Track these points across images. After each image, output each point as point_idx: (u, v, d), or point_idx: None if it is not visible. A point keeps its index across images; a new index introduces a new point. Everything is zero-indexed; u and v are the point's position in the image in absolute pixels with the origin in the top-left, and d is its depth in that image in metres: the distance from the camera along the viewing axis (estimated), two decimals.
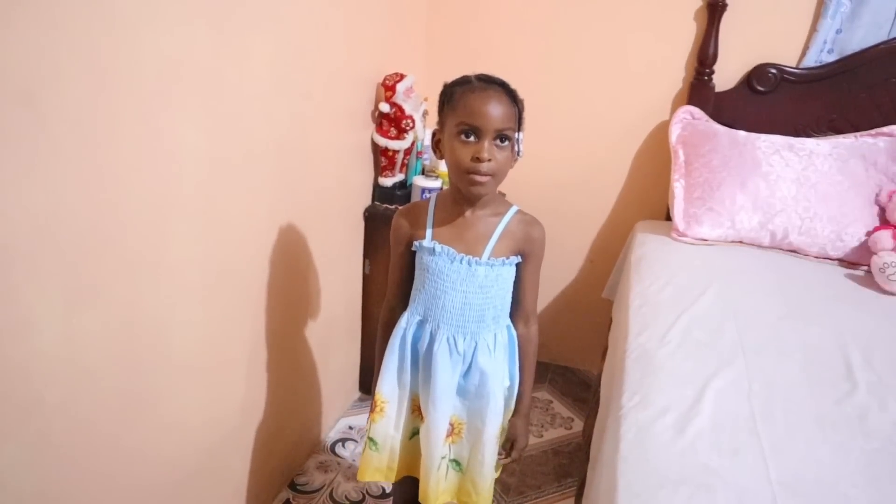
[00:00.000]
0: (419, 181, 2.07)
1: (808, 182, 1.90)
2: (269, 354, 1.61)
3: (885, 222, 1.85)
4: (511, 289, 1.23)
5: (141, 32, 1.03)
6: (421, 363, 1.23)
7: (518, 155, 1.15)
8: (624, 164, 2.34)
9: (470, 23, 2.36)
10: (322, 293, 1.84)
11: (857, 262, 1.86)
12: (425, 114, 2.15)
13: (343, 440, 2.08)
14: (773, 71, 2.05)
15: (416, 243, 1.21)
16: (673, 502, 0.88)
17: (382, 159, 2.05)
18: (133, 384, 1.17)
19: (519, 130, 1.12)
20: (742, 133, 2.03)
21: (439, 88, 2.24)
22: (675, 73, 2.19)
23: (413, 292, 1.26)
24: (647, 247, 1.91)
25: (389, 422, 1.27)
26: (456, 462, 1.27)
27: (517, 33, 2.31)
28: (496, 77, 1.13)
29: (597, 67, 2.26)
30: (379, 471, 1.30)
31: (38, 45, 0.86)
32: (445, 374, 1.19)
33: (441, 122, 1.15)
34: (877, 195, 1.89)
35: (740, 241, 1.95)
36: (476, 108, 1.06)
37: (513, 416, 1.28)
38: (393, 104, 1.96)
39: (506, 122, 1.08)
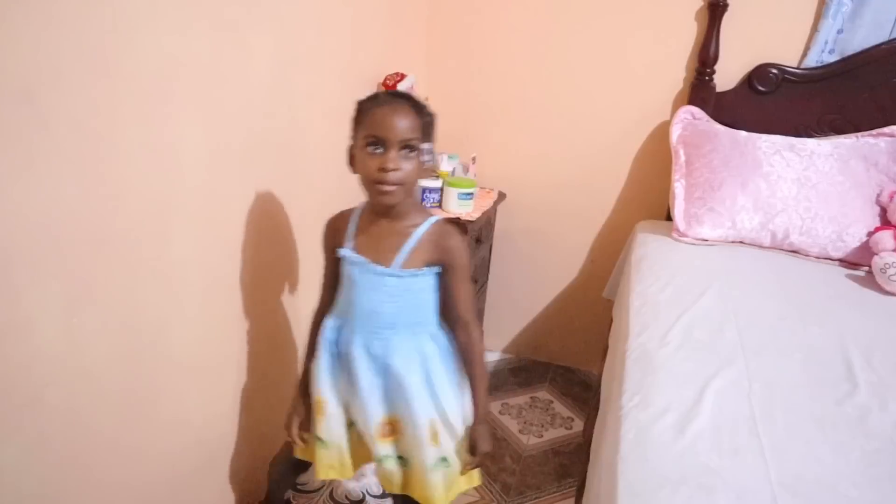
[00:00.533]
0: (420, 181, 2.07)
1: (808, 182, 1.90)
2: (269, 353, 1.61)
3: (886, 223, 1.84)
4: (429, 298, 1.25)
5: (141, 31, 1.03)
6: (342, 364, 1.27)
7: (426, 165, 1.19)
8: (625, 163, 2.34)
9: (470, 23, 2.36)
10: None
11: (858, 262, 1.85)
12: None
13: None
14: (774, 71, 2.05)
15: (339, 251, 1.25)
16: (673, 502, 0.88)
17: None
18: (133, 383, 1.17)
19: (426, 142, 1.17)
20: (743, 133, 2.03)
21: (441, 88, 2.29)
22: (676, 73, 2.19)
23: (338, 296, 1.30)
24: (648, 247, 1.91)
25: (332, 419, 1.29)
26: (402, 458, 1.29)
27: (517, 33, 2.31)
28: (404, 92, 1.19)
29: (597, 67, 2.26)
30: (332, 468, 1.32)
31: (37, 43, 0.86)
32: (366, 376, 1.23)
33: (353, 137, 1.19)
34: (878, 195, 1.89)
35: (741, 242, 1.95)
36: (381, 121, 1.12)
37: (472, 423, 1.30)
38: None
39: (410, 133, 1.13)
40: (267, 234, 1.53)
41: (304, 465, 1.47)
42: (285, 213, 1.59)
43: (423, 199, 2.05)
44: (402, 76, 1.97)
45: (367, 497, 1.84)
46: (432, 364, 1.25)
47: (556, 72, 2.31)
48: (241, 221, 1.42)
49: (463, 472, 1.30)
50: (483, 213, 2.13)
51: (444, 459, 1.27)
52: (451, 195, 2.04)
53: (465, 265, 1.24)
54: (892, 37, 1.96)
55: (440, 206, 2.07)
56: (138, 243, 1.11)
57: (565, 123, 2.36)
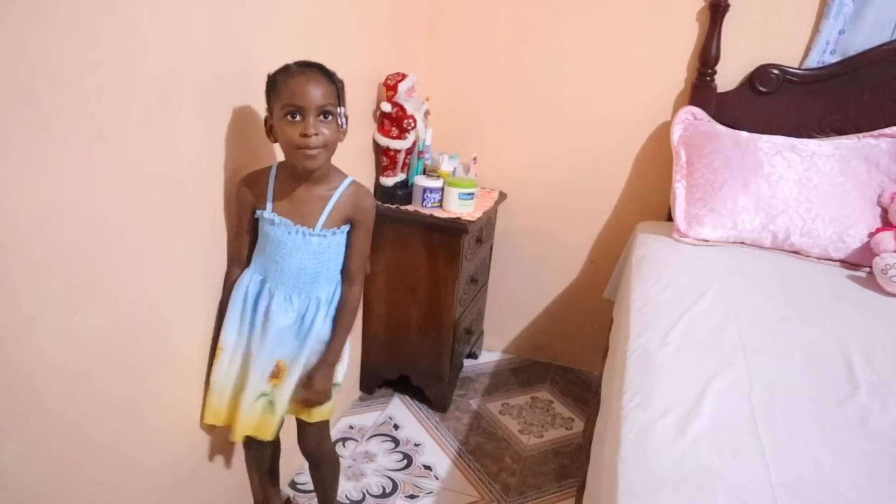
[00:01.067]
0: (421, 181, 2.07)
1: (810, 183, 1.90)
2: None
3: (887, 223, 1.84)
4: (343, 251, 1.37)
5: (142, 30, 1.03)
6: (260, 316, 1.34)
7: (343, 128, 1.27)
8: (625, 164, 2.34)
9: (472, 23, 2.36)
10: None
11: (859, 263, 1.85)
12: (427, 113, 2.15)
13: (343, 439, 2.08)
14: (776, 72, 2.05)
15: (258, 212, 1.31)
16: (673, 503, 0.88)
17: (384, 159, 2.05)
18: (133, 383, 1.17)
19: (340, 106, 1.25)
20: (744, 134, 2.03)
21: (442, 88, 2.31)
22: (677, 73, 2.19)
23: (255, 253, 1.37)
24: (649, 247, 1.91)
25: (222, 367, 1.35)
26: (272, 403, 1.36)
27: (519, 33, 2.31)
28: (313, 62, 1.24)
29: (598, 67, 2.26)
30: (216, 414, 1.37)
31: (38, 43, 0.86)
32: (280, 324, 1.32)
33: (269, 109, 1.24)
34: (879, 196, 1.89)
35: (742, 242, 1.95)
36: (297, 90, 1.18)
37: (318, 361, 1.37)
38: (395, 104, 1.96)
39: (326, 99, 1.20)
40: None
41: (266, 449, 1.54)
42: None
43: (423, 200, 2.06)
44: (404, 76, 1.97)
45: (367, 497, 1.84)
46: (331, 312, 1.38)
47: (557, 72, 2.31)
48: None
49: (292, 408, 1.40)
50: (484, 213, 2.13)
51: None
52: (452, 195, 2.04)
53: (370, 223, 1.37)
54: (893, 37, 1.96)
55: (441, 206, 2.07)
56: (139, 242, 1.11)
57: (566, 124, 2.36)
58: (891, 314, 1.55)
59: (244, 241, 1.37)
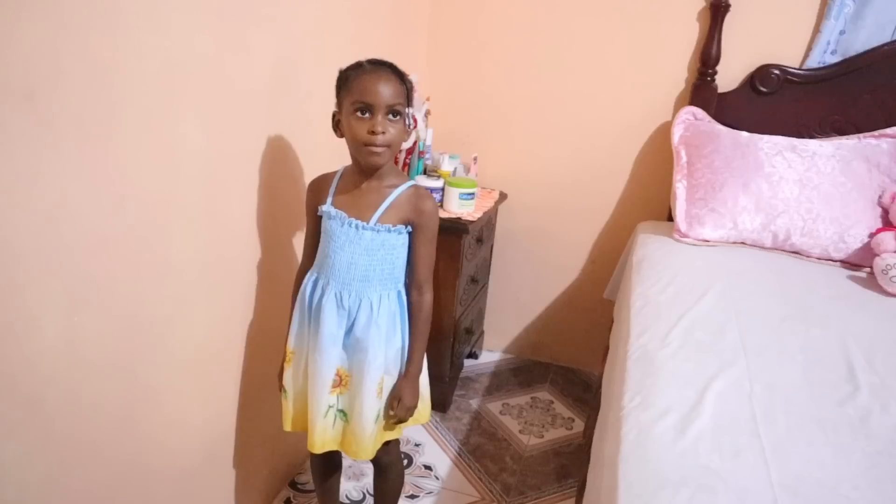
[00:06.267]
0: (421, 181, 2.07)
1: (810, 183, 1.90)
2: (270, 351, 1.61)
3: (887, 224, 1.84)
4: (402, 256, 1.32)
5: (143, 30, 1.03)
6: (313, 315, 1.33)
7: (409, 128, 1.27)
8: (626, 164, 2.34)
9: (472, 23, 2.36)
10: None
11: (860, 263, 1.85)
12: (428, 113, 2.15)
13: None
14: (776, 72, 2.05)
15: (319, 208, 1.32)
16: (674, 503, 0.88)
17: None
18: (135, 381, 1.17)
19: (409, 106, 1.25)
20: (745, 134, 2.03)
21: (442, 88, 2.32)
22: (678, 73, 2.19)
23: (317, 253, 1.36)
24: (649, 247, 1.91)
25: (295, 370, 1.37)
26: (343, 412, 1.35)
27: (519, 32, 2.31)
28: (385, 60, 1.24)
29: (599, 67, 2.26)
30: (294, 421, 1.38)
31: (39, 43, 0.86)
32: (331, 325, 1.29)
33: (339, 104, 1.25)
34: (879, 197, 1.89)
35: (742, 243, 1.95)
36: (368, 88, 1.18)
37: (401, 376, 1.35)
38: None
39: (396, 99, 1.20)
40: (268, 233, 1.53)
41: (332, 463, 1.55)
42: (286, 212, 1.59)
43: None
44: None
45: (368, 497, 1.84)
46: (395, 321, 1.32)
47: (557, 72, 2.31)
48: (243, 221, 1.42)
49: (386, 427, 1.36)
50: (484, 213, 2.13)
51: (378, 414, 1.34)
52: (453, 195, 2.04)
53: (433, 228, 1.32)
54: (894, 38, 1.96)
55: (441, 206, 2.07)
56: (140, 242, 1.11)
57: (567, 124, 2.36)
58: (891, 314, 1.55)
59: (310, 244, 1.39)
